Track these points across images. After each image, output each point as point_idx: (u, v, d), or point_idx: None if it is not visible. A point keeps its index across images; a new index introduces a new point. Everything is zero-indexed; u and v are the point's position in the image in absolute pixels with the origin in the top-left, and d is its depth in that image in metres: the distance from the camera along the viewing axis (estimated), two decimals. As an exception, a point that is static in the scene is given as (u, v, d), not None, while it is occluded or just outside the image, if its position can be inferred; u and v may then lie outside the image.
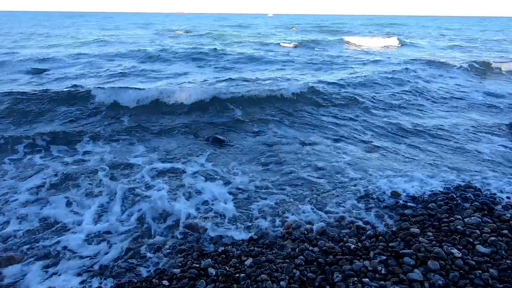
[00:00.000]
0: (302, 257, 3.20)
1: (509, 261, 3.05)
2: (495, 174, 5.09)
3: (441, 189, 4.54)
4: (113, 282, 3.00)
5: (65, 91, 8.60)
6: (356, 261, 3.11)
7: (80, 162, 5.37)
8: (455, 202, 4.16)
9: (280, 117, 7.84)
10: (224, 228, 3.78)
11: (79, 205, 4.17)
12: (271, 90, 9.03)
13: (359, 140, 6.62)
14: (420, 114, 8.51)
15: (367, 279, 2.89)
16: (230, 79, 11.35)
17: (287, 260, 3.18)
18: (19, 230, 3.66)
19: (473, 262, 3.04)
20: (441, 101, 9.85)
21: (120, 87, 8.71)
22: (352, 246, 3.33)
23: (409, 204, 4.18)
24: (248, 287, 2.87)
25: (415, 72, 13.23)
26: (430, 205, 4.09)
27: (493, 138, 6.75)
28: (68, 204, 4.19)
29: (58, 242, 3.50)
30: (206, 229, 3.70)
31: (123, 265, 3.21)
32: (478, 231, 3.48)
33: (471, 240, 3.35)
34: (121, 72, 12.49)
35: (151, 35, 30.87)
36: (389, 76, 12.26)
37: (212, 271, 3.04)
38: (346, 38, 27.90)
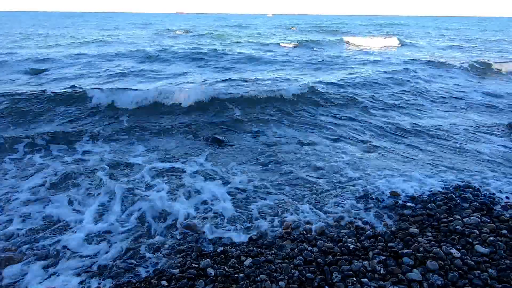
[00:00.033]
0: (301, 257, 3.20)
1: (508, 261, 3.05)
2: (494, 174, 5.10)
3: (440, 189, 4.54)
4: (112, 283, 3.00)
5: (64, 91, 8.60)
6: (355, 261, 3.11)
7: (80, 162, 5.38)
8: (454, 202, 4.16)
9: (279, 117, 7.85)
10: (223, 229, 3.77)
11: (80, 203, 4.19)
12: (271, 91, 9.03)
13: (358, 140, 6.63)
14: (419, 114, 8.51)
15: (366, 279, 2.89)
16: (230, 79, 11.35)
17: (286, 260, 3.18)
18: (22, 229, 3.68)
19: (472, 262, 3.04)
20: (440, 101, 9.86)
21: (118, 88, 8.70)
22: (351, 246, 3.33)
23: (408, 204, 4.18)
24: (247, 287, 2.87)
25: (415, 72, 13.23)
26: (429, 205, 4.09)
27: (492, 138, 6.75)
28: (70, 203, 4.20)
29: (58, 241, 3.50)
30: (204, 232, 3.70)
31: (122, 266, 3.20)
32: (477, 231, 3.48)
33: (470, 240, 3.35)
34: (120, 72, 12.49)
35: (150, 35, 30.87)
36: (389, 76, 12.27)
37: (211, 271, 3.04)
38: (346, 38, 27.91)
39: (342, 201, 4.32)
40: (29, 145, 5.81)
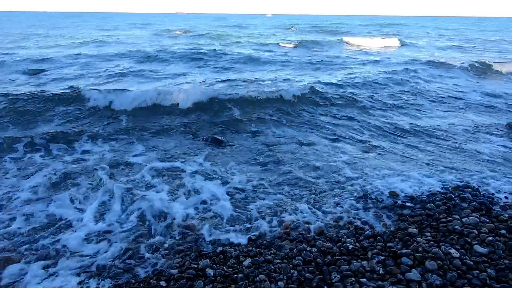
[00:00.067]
0: (300, 257, 3.20)
1: (506, 261, 3.06)
2: (493, 174, 5.10)
3: (439, 189, 4.55)
4: (111, 283, 3.00)
5: (63, 92, 8.59)
6: (354, 261, 3.11)
7: (79, 161, 5.39)
8: (453, 202, 4.16)
9: (278, 117, 7.85)
10: (222, 230, 3.77)
11: (81, 202, 4.20)
12: (271, 91, 9.02)
13: (357, 139, 6.63)
14: (418, 114, 8.52)
15: (365, 279, 2.89)
16: (229, 79, 11.34)
17: (285, 261, 3.18)
18: (24, 228, 3.70)
19: (471, 262, 3.04)
20: (439, 101, 9.86)
21: (116, 89, 8.68)
22: (350, 247, 3.34)
23: (407, 204, 4.18)
24: (246, 287, 2.87)
25: (415, 72, 13.24)
26: (428, 205, 4.09)
27: (492, 138, 6.76)
28: (71, 201, 4.21)
29: (58, 240, 3.51)
30: (203, 232, 3.70)
31: (121, 266, 3.20)
32: (476, 231, 3.48)
33: (469, 240, 3.35)
34: (119, 73, 12.47)
35: (150, 35, 30.84)
36: (389, 76, 12.28)
37: (210, 271, 3.04)
38: (346, 39, 27.90)
39: (341, 201, 4.32)
40: (29, 144, 5.81)
